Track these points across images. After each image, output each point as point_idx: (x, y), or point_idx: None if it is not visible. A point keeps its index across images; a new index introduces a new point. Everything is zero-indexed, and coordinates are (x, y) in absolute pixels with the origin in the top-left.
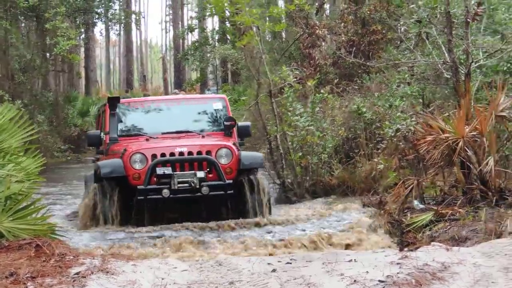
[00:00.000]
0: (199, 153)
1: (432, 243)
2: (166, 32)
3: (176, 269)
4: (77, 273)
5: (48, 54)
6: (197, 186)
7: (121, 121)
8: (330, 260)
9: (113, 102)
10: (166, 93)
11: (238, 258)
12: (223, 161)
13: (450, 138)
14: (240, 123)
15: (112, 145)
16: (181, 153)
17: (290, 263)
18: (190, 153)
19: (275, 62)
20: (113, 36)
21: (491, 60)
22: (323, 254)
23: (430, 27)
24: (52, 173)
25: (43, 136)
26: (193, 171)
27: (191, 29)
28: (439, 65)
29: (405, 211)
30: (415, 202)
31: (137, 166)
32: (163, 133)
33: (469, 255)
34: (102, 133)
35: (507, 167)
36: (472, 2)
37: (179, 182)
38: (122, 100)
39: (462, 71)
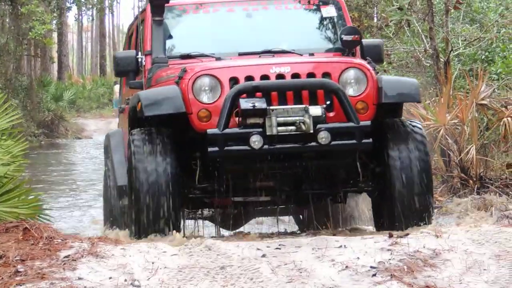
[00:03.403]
0: (310, 75)
1: (421, 229)
2: None
3: (165, 253)
4: (66, 256)
5: (21, 38)
6: (311, 130)
7: (170, 36)
8: (319, 246)
9: (159, 4)
10: None
11: (227, 244)
12: (351, 90)
13: (431, 126)
14: (367, 40)
15: (158, 70)
16: (280, 76)
17: (279, 249)
18: (295, 75)
19: None
20: (85, 21)
21: (469, 49)
22: (311, 240)
23: (410, 14)
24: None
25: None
26: (302, 105)
27: None
28: (419, 53)
29: None
30: None
31: (206, 96)
32: (240, 54)
33: (459, 242)
34: (139, 55)
35: (486, 156)
36: None
37: (279, 124)
38: (171, 2)
39: (442, 59)
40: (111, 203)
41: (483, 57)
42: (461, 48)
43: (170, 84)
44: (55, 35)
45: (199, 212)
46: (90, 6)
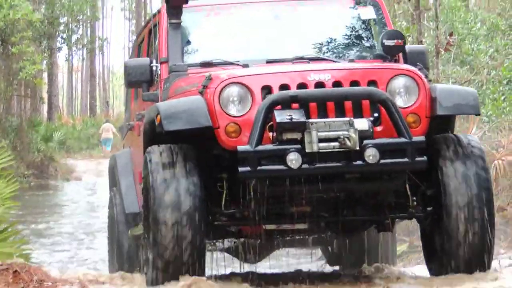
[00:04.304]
0: (354, 83)
1: None
2: (129, 59)
3: None
4: None
5: (11, 78)
6: (356, 147)
7: (188, 42)
8: None
9: (176, 5)
10: None
11: None
12: (401, 100)
13: None
14: (410, 46)
15: (176, 80)
16: (319, 84)
17: None
18: (337, 83)
19: None
20: (75, 62)
21: None
22: None
23: None
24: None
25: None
26: (346, 118)
27: None
28: None
29: None
30: None
31: (235, 108)
32: (268, 61)
33: None
34: (154, 63)
35: None
36: (443, 31)
37: (320, 140)
38: (190, 3)
39: None
40: (118, 237)
41: None
42: None
43: (192, 95)
44: (45, 75)
45: (220, 242)
46: (81, 47)
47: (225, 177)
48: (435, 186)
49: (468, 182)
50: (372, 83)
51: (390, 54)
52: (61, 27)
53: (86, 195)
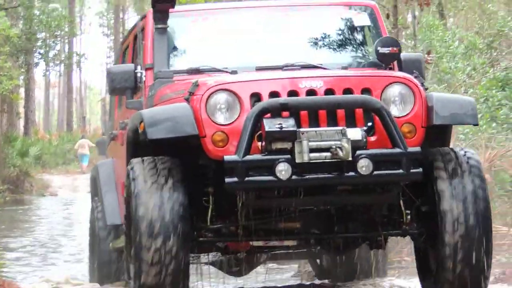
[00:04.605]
0: (347, 91)
1: None
2: None
3: None
4: None
5: None
6: (349, 157)
7: (175, 48)
8: None
9: (162, 10)
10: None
11: None
12: (396, 109)
13: None
14: (405, 54)
15: (161, 87)
16: (311, 91)
17: None
18: (329, 91)
19: None
20: (53, 77)
21: None
22: None
23: None
24: None
25: None
26: (338, 127)
27: None
28: None
29: None
30: None
31: (222, 116)
32: (258, 69)
33: None
34: (138, 69)
35: None
36: (421, 49)
37: (311, 150)
38: (177, 8)
39: None
40: (99, 248)
41: None
42: None
43: (178, 102)
44: (22, 90)
45: (206, 256)
46: (58, 62)
47: (211, 191)
48: (430, 202)
49: (465, 201)
50: (366, 91)
51: (384, 62)
52: (39, 43)
53: (61, 210)
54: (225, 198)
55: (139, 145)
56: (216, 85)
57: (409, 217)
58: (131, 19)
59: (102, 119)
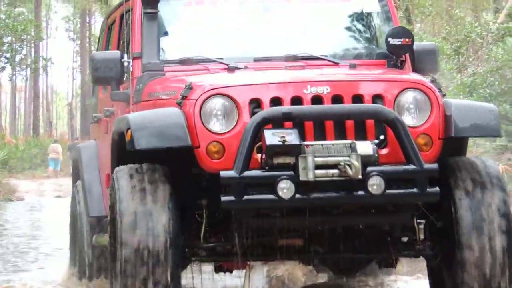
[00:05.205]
0: (357, 98)
1: None
2: (73, 79)
3: None
4: None
5: None
6: (359, 176)
7: (166, 35)
8: None
9: None
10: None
11: None
12: (410, 119)
13: None
14: (419, 44)
15: (150, 81)
16: (317, 98)
17: None
18: (336, 98)
19: None
20: (19, 82)
21: None
22: None
23: None
24: None
25: None
26: (347, 141)
27: None
28: None
29: None
30: None
31: (218, 124)
32: (256, 59)
33: None
34: (125, 57)
35: None
36: None
37: (317, 166)
38: None
39: None
40: (80, 240)
41: None
42: None
43: (169, 105)
44: None
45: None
46: (24, 67)
47: (205, 203)
48: (445, 218)
49: (487, 219)
50: (377, 97)
51: (395, 54)
52: (5, 47)
53: (28, 214)
54: (220, 213)
55: (126, 150)
56: (211, 89)
57: (422, 235)
58: (97, 23)
59: (69, 124)
